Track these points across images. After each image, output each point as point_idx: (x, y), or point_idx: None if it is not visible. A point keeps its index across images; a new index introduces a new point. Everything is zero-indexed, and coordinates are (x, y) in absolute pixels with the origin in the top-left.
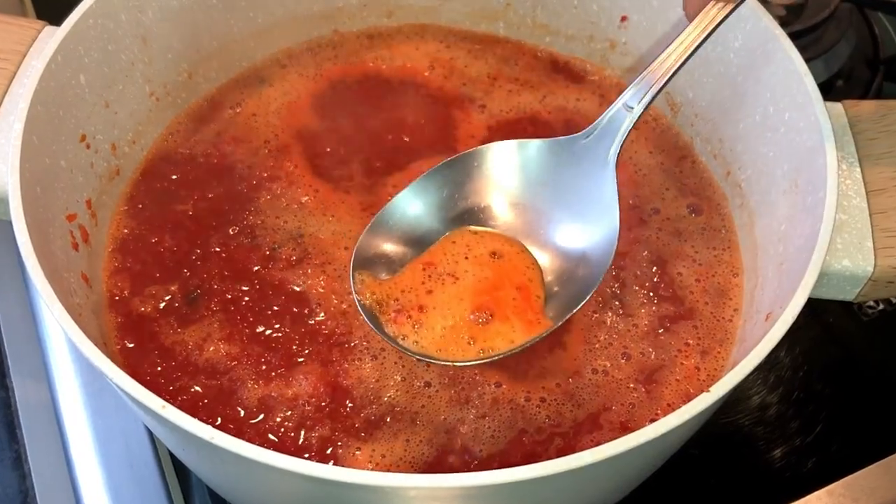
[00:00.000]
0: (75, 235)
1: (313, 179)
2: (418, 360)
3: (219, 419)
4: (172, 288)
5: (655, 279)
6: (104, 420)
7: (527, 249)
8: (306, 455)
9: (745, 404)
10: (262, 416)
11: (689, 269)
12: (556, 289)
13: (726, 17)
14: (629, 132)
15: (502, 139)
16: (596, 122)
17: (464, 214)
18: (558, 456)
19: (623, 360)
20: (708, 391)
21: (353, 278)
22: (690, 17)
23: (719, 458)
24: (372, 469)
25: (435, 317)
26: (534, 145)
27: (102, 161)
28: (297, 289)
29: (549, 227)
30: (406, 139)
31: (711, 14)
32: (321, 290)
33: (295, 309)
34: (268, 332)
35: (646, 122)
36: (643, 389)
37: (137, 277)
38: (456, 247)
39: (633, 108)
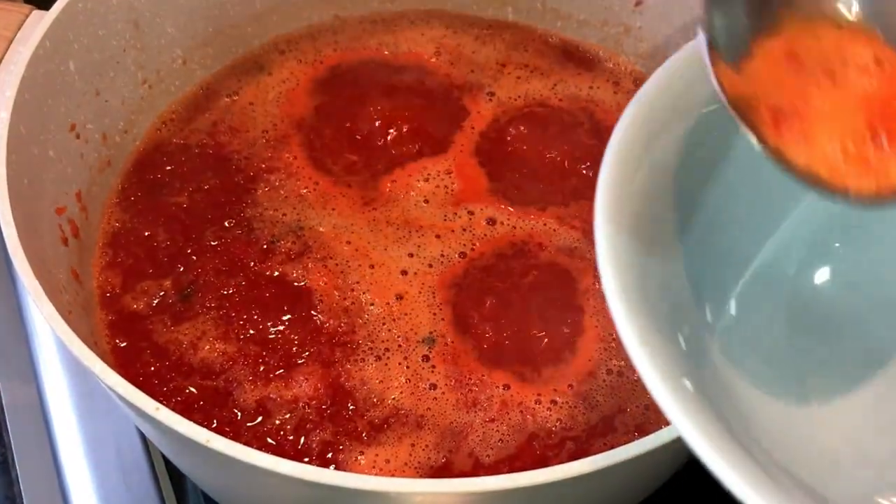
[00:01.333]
0: (64, 229)
1: (313, 171)
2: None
3: (215, 422)
4: (166, 284)
5: None
6: (95, 423)
7: None
8: (306, 459)
9: None
10: (260, 419)
11: None
12: None
13: None
14: None
15: (514, 128)
16: None
17: None
18: (570, 461)
19: None
20: None
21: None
22: None
23: None
24: (375, 474)
25: (820, 129)
26: None
27: (93, 151)
28: (297, 285)
29: None
30: (411, 129)
31: None
32: (322, 286)
33: (295, 306)
34: (266, 330)
35: None
36: None
37: (129, 273)
38: (820, 41)
39: None
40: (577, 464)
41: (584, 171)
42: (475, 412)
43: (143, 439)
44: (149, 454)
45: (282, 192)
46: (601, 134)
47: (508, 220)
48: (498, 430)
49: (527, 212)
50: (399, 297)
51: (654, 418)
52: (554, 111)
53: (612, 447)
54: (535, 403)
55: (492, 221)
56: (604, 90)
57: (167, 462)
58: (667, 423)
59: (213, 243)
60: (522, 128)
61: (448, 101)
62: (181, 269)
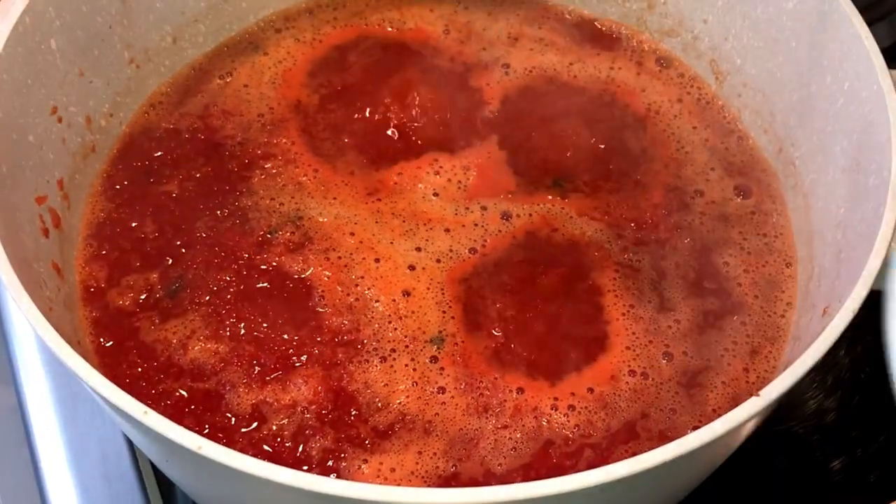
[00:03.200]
0: (45, 220)
1: (312, 158)
2: None
3: (207, 427)
4: (153, 278)
5: (699, 270)
6: (78, 429)
7: None
8: (305, 468)
9: (800, 410)
10: (255, 425)
11: (737, 258)
12: None
13: None
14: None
15: (529, 109)
16: None
17: None
18: (589, 470)
19: (663, 361)
20: (757, 395)
21: None
22: None
23: (771, 469)
24: (380, 484)
25: None
26: None
27: (76, 136)
28: (296, 279)
29: None
30: (418, 113)
31: None
32: (325, 280)
33: (293, 302)
34: (261, 329)
35: (688, 92)
36: (685, 394)
37: (115, 267)
38: None
39: None
40: (596, 472)
41: (606, 159)
42: (486, 418)
43: (130, 446)
44: (136, 462)
45: (279, 181)
46: (625, 118)
47: (524, 209)
48: (511, 438)
49: (544, 199)
50: (406, 294)
51: (680, 423)
52: (573, 91)
53: (635, 454)
54: (552, 409)
55: (506, 216)
56: (626, 71)
57: (156, 471)
58: (695, 428)
59: (203, 235)
60: (539, 111)
61: (459, 83)
62: (169, 263)
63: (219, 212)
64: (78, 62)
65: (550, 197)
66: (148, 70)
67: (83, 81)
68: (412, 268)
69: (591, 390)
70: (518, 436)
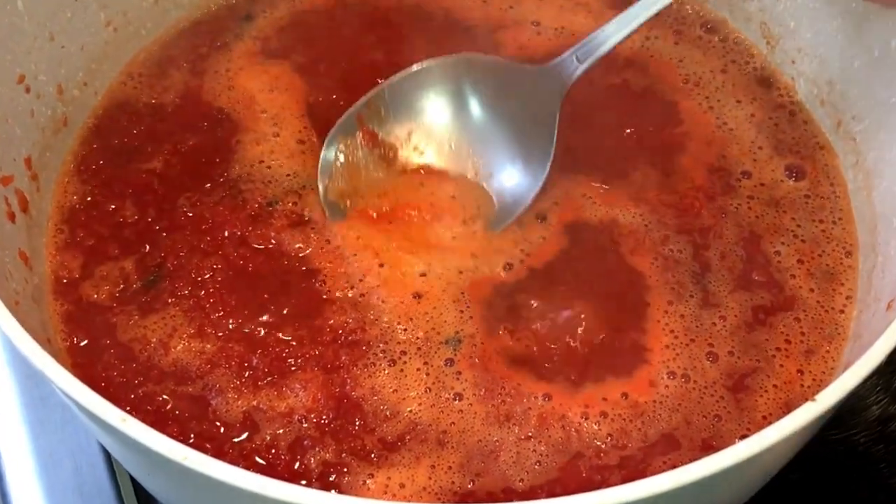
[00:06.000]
0: (11, 203)
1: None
2: None
3: (192, 436)
4: (130, 266)
5: (747, 260)
6: (48, 437)
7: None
8: (304, 482)
9: (861, 417)
10: (246, 434)
11: (790, 247)
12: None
13: None
14: (572, 84)
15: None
16: (552, 63)
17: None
18: (623, 484)
19: (707, 362)
20: (814, 400)
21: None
22: None
23: (828, 484)
24: (388, 500)
25: None
26: (484, 64)
27: (46, 108)
28: (296, 266)
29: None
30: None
31: None
32: (327, 266)
33: (290, 292)
34: (252, 325)
35: (733, 61)
36: (732, 398)
37: (90, 255)
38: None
39: (582, 62)
40: (631, 487)
41: (637, 137)
42: (508, 427)
43: (106, 457)
44: (113, 475)
45: (276, 146)
46: (658, 92)
47: (547, 195)
48: (535, 450)
49: (568, 183)
50: (417, 296)
51: (725, 431)
52: (599, 61)
53: (674, 467)
54: (581, 417)
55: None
56: (663, 40)
57: (136, 484)
58: (743, 437)
59: (190, 214)
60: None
61: (486, 44)
62: (149, 249)
63: (207, 184)
64: (48, 25)
65: (575, 180)
66: (127, 34)
67: (54, 46)
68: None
69: (625, 395)
70: (543, 448)
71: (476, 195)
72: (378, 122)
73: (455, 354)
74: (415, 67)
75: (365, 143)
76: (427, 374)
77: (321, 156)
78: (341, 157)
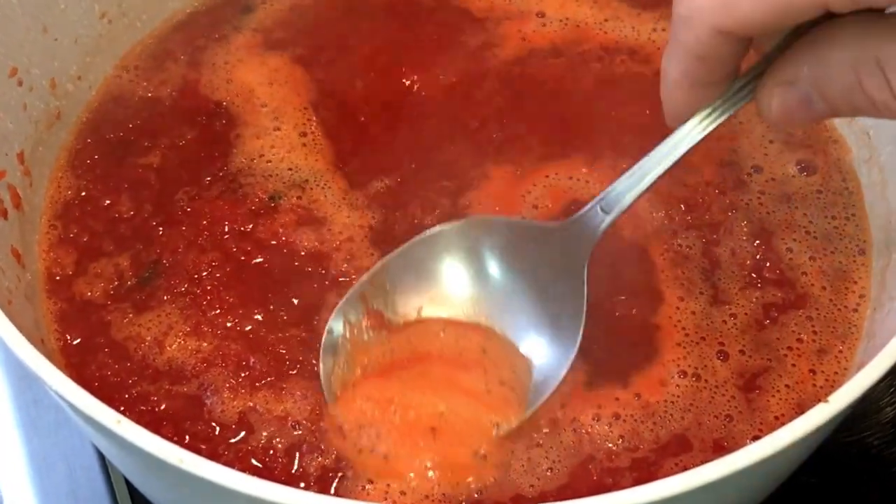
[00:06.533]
0: (3, 199)
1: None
2: None
3: (187, 437)
4: (126, 264)
5: (758, 257)
6: (41, 439)
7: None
8: (302, 485)
9: (875, 418)
10: (242, 435)
11: (802, 243)
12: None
13: (716, 126)
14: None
15: (550, 71)
16: (573, 217)
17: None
18: (635, 486)
19: (718, 361)
20: (826, 401)
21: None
22: (673, 127)
23: (840, 487)
24: None
25: None
26: (499, 225)
27: (39, 102)
28: (300, 264)
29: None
30: (439, 69)
31: (699, 126)
32: (330, 260)
33: (294, 293)
34: (251, 325)
35: None
36: (743, 398)
37: (84, 252)
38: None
39: (608, 213)
40: (644, 490)
41: (642, 129)
42: (517, 434)
43: (100, 459)
44: (108, 478)
45: (276, 140)
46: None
47: (541, 187)
48: (547, 457)
49: (569, 174)
50: None
51: (737, 432)
52: (602, 51)
53: (686, 468)
54: (594, 420)
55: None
56: (669, 31)
57: (131, 487)
58: (755, 438)
59: (189, 209)
60: (561, 73)
61: (487, 38)
62: (145, 246)
63: (206, 178)
64: (41, 17)
65: (576, 172)
66: (122, 26)
67: (47, 38)
68: None
69: (638, 396)
70: (555, 454)
71: (509, 352)
72: (384, 300)
73: None
74: (424, 235)
75: (370, 325)
76: None
77: (323, 339)
78: (347, 344)
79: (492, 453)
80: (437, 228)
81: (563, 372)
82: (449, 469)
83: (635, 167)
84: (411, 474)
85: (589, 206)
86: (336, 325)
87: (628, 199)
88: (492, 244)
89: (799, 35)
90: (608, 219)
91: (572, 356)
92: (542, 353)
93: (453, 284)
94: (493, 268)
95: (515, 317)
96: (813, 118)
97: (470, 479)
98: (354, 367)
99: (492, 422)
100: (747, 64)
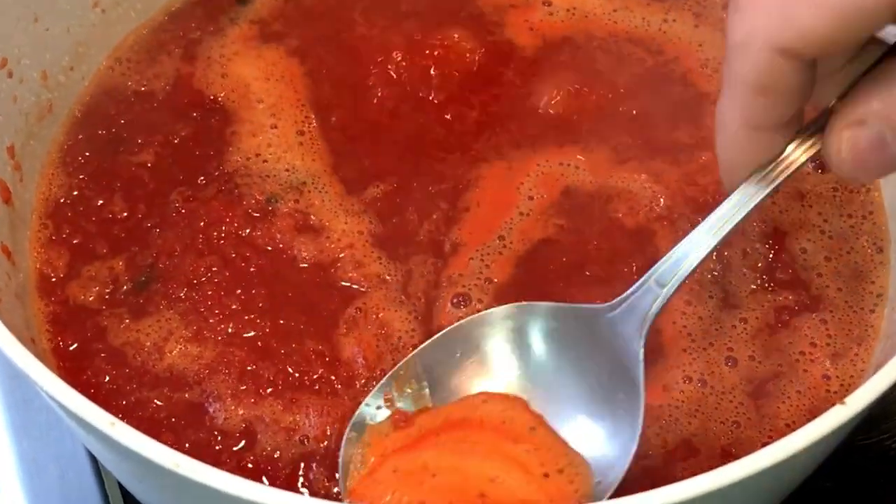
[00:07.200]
0: None
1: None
2: None
3: (187, 444)
4: (121, 267)
5: (770, 257)
6: (32, 442)
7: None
8: (305, 491)
9: (892, 421)
10: (244, 443)
11: (816, 243)
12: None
13: (776, 187)
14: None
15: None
16: (624, 295)
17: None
18: (640, 493)
19: (727, 367)
20: (843, 403)
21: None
22: (731, 187)
23: (856, 492)
24: None
25: None
26: (545, 311)
27: (29, 94)
28: (302, 272)
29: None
30: (437, 54)
31: (752, 189)
32: (336, 267)
33: (297, 299)
34: (255, 332)
35: None
36: (752, 405)
37: (76, 254)
38: None
39: (664, 286)
40: (650, 495)
41: (650, 121)
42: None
43: (94, 464)
44: (101, 483)
45: (273, 138)
46: (672, 75)
47: (567, 170)
48: None
49: (574, 168)
50: None
51: (745, 438)
52: (611, 41)
53: (694, 474)
54: None
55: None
56: (682, 23)
57: (125, 493)
58: (765, 445)
59: (183, 210)
60: (569, 63)
61: (489, 26)
62: (140, 248)
63: (200, 179)
64: (32, 6)
65: (581, 166)
66: (115, 16)
67: (38, 29)
68: None
69: None
70: None
71: (561, 441)
72: (412, 398)
73: None
74: (461, 322)
75: (396, 428)
76: None
77: (340, 456)
78: (367, 452)
79: None
80: (481, 315)
81: (622, 471)
82: None
83: (692, 233)
84: None
85: (641, 280)
86: (352, 446)
87: (686, 267)
88: (536, 332)
89: (867, 72)
90: (664, 293)
91: (632, 453)
92: (597, 448)
93: (497, 370)
94: (540, 354)
95: (564, 407)
96: (889, 161)
97: None
98: (371, 455)
99: None
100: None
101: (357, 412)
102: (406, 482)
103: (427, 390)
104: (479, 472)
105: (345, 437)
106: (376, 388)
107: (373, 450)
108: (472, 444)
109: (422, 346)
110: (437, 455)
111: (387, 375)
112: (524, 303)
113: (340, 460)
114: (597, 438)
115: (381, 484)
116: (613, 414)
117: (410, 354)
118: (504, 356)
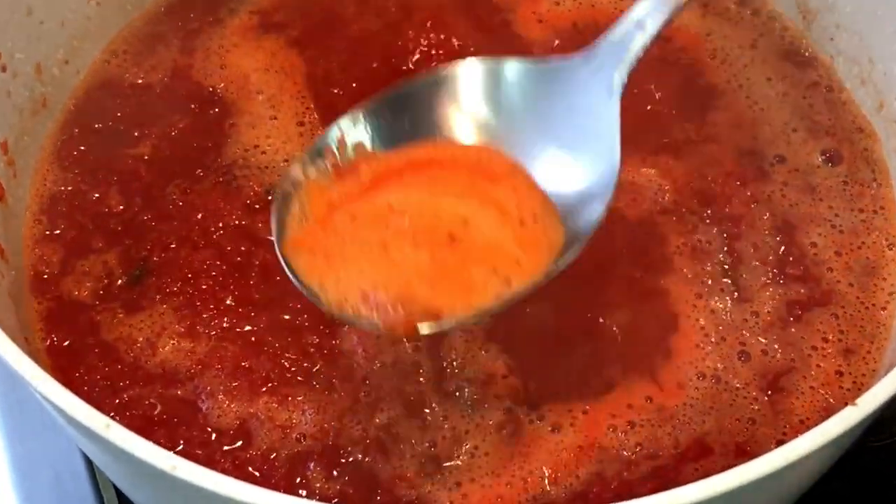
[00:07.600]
0: None
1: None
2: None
3: (181, 443)
4: (115, 261)
5: (781, 252)
6: (25, 444)
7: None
8: (303, 492)
9: None
10: (240, 443)
11: (827, 237)
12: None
13: None
14: (640, 57)
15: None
16: (596, 41)
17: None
18: (653, 494)
19: (739, 362)
20: (854, 404)
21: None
22: None
23: (870, 493)
24: None
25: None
26: (512, 68)
27: (23, 88)
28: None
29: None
30: (439, 44)
31: None
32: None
33: (294, 293)
34: (250, 326)
35: (763, 35)
36: (766, 401)
37: (71, 248)
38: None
39: (645, 26)
40: (661, 497)
41: (660, 116)
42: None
43: (88, 465)
44: (96, 485)
45: (272, 130)
46: (680, 66)
47: None
48: (558, 467)
49: None
50: None
51: (760, 436)
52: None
53: (707, 474)
54: (609, 429)
55: None
56: (689, 12)
57: (120, 495)
58: (779, 442)
59: (181, 203)
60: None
61: (493, 14)
62: (135, 241)
63: (198, 171)
64: None
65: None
66: (111, 8)
67: (32, 21)
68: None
69: (649, 399)
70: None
71: (538, 189)
72: (364, 138)
73: None
74: (418, 78)
75: (339, 177)
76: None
77: (272, 214)
78: (310, 207)
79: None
80: (439, 70)
81: (594, 223)
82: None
83: None
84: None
85: (617, 24)
86: (295, 173)
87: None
88: (502, 88)
89: None
90: (649, 29)
91: (607, 201)
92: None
93: (460, 125)
94: (507, 105)
95: (536, 158)
96: None
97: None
98: (314, 209)
99: (515, 259)
100: None
101: (286, 175)
102: (368, 227)
103: (370, 146)
104: (453, 213)
105: (275, 196)
106: (307, 150)
107: (314, 204)
108: (446, 183)
109: (364, 104)
110: (404, 195)
111: (320, 137)
112: (487, 58)
113: (273, 218)
114: (571, 184)
115: (335, 234)
116: (590, 164)
117: (350, 112)
118: (466, 113)
